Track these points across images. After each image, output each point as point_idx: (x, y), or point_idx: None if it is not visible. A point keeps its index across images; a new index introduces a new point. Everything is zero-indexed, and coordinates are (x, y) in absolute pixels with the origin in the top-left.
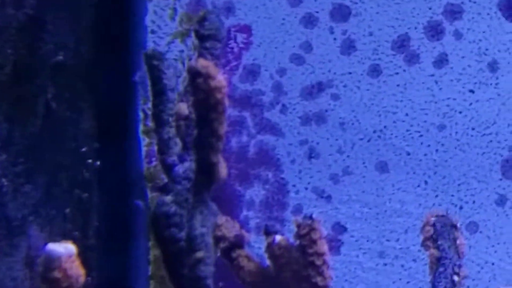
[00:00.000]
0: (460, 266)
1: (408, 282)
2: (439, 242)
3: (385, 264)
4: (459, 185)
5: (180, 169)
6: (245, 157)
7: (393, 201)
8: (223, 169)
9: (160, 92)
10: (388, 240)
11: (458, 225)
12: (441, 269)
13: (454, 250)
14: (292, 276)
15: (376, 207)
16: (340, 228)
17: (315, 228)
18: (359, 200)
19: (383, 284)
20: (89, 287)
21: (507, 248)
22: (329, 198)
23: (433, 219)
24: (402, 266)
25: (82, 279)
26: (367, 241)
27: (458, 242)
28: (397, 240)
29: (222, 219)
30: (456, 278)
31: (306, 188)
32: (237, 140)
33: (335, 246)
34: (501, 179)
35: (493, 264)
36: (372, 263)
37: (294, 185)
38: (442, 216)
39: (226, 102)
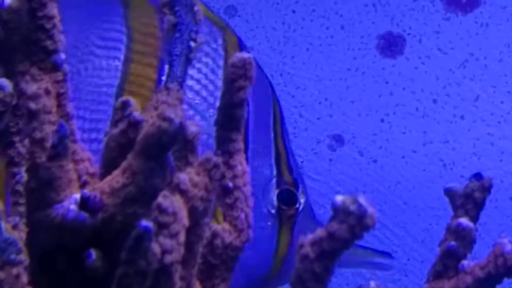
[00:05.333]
0: (196, 32)
1: None
2: (175, 8)
3: None
4: None
5: None
6: None
7: None
8: None
9: None
10: None
11: None
12: (177, 35)
13: (191, 16)
14: (21, 41)
15: None
16: None
17: None
18: None
19: None
20: None
21: (266, 32)
22: None
23: None
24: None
25: None
26: None
27: (195, 8)
28: None
29: None
30: (192, 44)
31: None
32: None
33: None
34: None
35: (252, 48)
36: None
37: None
38: None
39: None
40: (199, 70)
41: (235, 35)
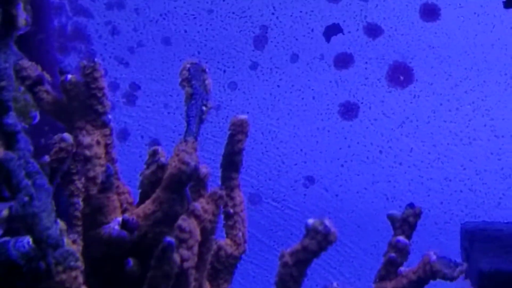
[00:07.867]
0: (207, 100)
1: None
2: (192, 82)
3: (169, 113)
4: (222, 54)
5: None
6: (64, 33)
7: (175, 66)
8: (22, 20)
9: None
10: (173, 89)
11: (207, 69)
12: (193, 102)
13: (203, 88)
14: (79, 105)
15: (162, 70)
16: (135, 86)
17: (96, 69)
18: (150, 65)
19: (170, 127)
20: None
21: (258, 101)
22: (127, 64)
23: (188, 65)
24: (181, 114)
25: None
26: (155, 96)
27: (206, 82)
28: (178, 95)
29: (27, 63)
30: (204, 108)
31: (110, 57)
32: (58, 21)
33: (131, 100)
34: (253, 50)
35: (248, 112)
36: (159, 110)
37: (101, 54)
38: (195, 63)
39: None
40: None
41: None
